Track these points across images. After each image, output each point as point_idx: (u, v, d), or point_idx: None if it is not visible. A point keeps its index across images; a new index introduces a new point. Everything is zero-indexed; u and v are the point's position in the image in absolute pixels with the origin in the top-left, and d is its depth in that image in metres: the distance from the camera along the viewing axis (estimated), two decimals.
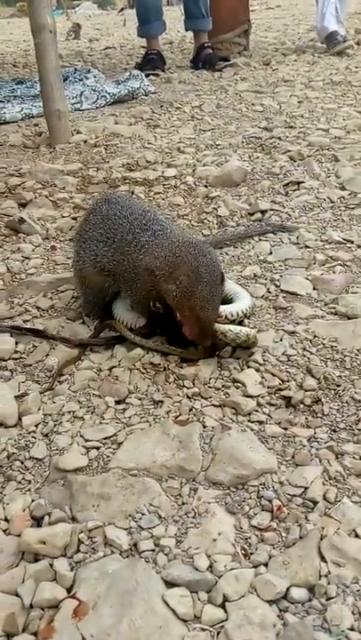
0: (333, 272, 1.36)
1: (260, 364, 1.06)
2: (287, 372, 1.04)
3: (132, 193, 1.88)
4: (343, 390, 1.00)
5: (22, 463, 0.90)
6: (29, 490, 0.86)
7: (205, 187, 1.91)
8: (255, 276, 1.37)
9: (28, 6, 2.36)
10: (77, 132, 2.57)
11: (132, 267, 1.11)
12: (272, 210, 1.71)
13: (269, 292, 1.30)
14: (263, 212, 1.70)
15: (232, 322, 1.14)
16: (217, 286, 1.04)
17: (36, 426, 0.97)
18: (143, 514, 0.80)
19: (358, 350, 1.09)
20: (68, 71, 3.80)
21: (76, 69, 3.89)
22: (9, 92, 3.52)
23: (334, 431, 0.93)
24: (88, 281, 1.20)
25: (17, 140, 2.58)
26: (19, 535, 0.78)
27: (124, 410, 0.99)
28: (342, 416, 0.95)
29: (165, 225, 1.13)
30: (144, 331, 1.14)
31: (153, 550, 0.75)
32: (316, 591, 0.70)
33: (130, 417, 0.97)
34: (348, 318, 1.19)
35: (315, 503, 0.80)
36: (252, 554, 0.75)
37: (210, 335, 1.05)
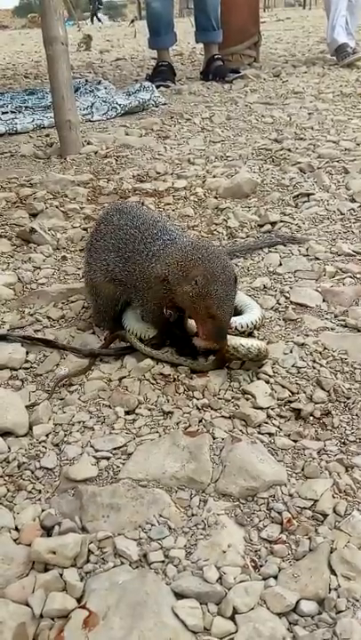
0: (343, 284, 1.36)
1: (270, 376, 1.06)
2: (297, 384, 1.04)
3: (143, 204, 1.89)
4: (353, 403, 1.00)
5: (33, 473, 0.90)
6: (40, 499, 0.86)
7: (215, 198, 1.93)
8: (265, 287, 1.38)
9: (41, 18, 2.39)
10: (88, 143, 2.59)
11: (144, 276, 1.12)
12: (282, 221, 1.72)
13: (279, 304, 1.31)
14: (273, 223, 1.71)
15: (242, 333, 1.14)
16: (231, 286, 1.05)
17: (47, 435, 0.98)
18: (153, 525, 0.80)
19: None
20: (79, 82, 3.84)
21: (87, 81, 3.94)
22: (20, 103, 3.57)
23: (344, 444, 0.93)
24: (99, 291, 1.20)
25: (28, 151, 2.60)
26: (29, 545, 0.78)
27: (134, 420, 1.00)
28: (352, 429, 0.95)
29: (176, 234, 1.14)
30: (154, 341, 1.15)
31: (163, 561, 0.75)
32: (325, 604, 0.70)
33: (140, 427, 0.98)
34: (358, 331, 1.19)
35: (325, 516, 0.80)
36: (261, 566, 0.75)
37: (225, 336, 1.05)
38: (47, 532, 0.80)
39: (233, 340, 1.06)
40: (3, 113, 3.23)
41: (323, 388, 1.03)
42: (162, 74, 4.10)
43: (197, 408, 1.00)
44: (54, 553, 0.75)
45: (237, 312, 1.19)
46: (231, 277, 1.04)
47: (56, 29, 2.33)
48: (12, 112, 3.28)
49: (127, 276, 1.15)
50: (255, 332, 1.19)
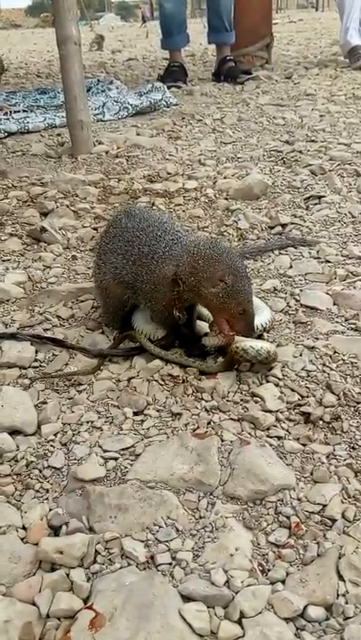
0: (354, 287, 1.36)
1: (280, 379, 1.06)
2: (306, 387, 1.04)
3: (153, 204, 1.89)
4: None
5: (41, 472, 0.90)
6: (47, 499, 0.86)
7: (226, 199, 1.92)
8: (275, 289, 1.37)
9: (54, 18, 2.40)
10: (99, 143, 2.59)
11: (151, 278, 1.12)
12: (293, 224, 1.71)
13: (289, 307, 1.30)
14: (284, 225, 1.70)
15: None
16: (249, 278, 1.08)
17: (55, 435, 0.98)
18: (160, 526, 0.80)
19: None
20: (91, 82, 3.84)
21: (99, 80, 3.94)
22: (32, 102, 3.58)
23: (353, 448, 0.92)
24: (108, 292, 1.20)
25: (39, 150, 2.61)
26: (36, 544, 0.78)
27: (143, 421, 0.99)
28: None
29: (181, 235, 1.14)
30: (163, 342, 1.15)
31: (170, 564, 0.75)
32: (333, 610, 0.69)
33: (148, 428, 0.97)
34: None
35: (333, 521, 0.80)
36: (269, 570, 0.74)
37: (254, 327, 1.09)
38: (54, 531, 0.80)
39: (242, 342, 1.06)
40: (15, 112, 3.24)
41: (332, 392, 1.02)
42: (174, 74, 4.10)
43: (206, 410, 1.00)
44: (61, 553, 0.75)
45: None
46: (246, 269, 1.09)
47: (69, 29, 2.33)
48: (23, 111, 3.29)
49: (135, 278, 1.14)
50: (265, 334, 1.18)
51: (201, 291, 1.06)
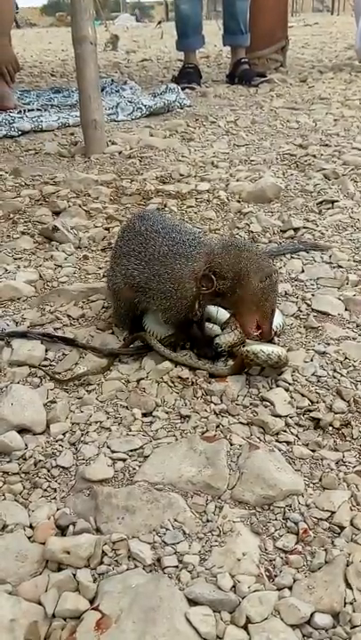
0: None
1: (290, 384, 1.05)
2: (317, 392, 1.03)
3: (165, 206, 1.89)
4: None
5: (49, 471, 0.90)
6: (55, 498, 0.86)
7: (238, 202, 1.92)
8: (286, 293, 1.37)
9: (71, 18, 2.40)
10: (112, 143, 2.59)
11: (173, 275, 1.11)
12: (305, 228, 1.70)
13: (300, 311, 1.30)
14: (296, 229, 1.70)
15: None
16: None
17: (64, 434, 0.98)
18: (168, 529, 0.79)
19: None
20: (105, 82, 3.85)
21: (113, 81, 3.95)
22: (46, 101, 3.59)
23: None
24: (119, 295, 1.20)
25: (53, 149, 2.61)
26: (43, 543, 0.78)
27: (151, 423, 0.99)
28: None
29: (197, 235, 1.15)
30: (173, 338, 1.15)
31: (176, 567, 0.75)
32: (340, 618, 0.69)
33: (157, 430, 0.97)
34: None
35: (341, 528, 0.79)
36: (276, 576, 0.74)
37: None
38: (62, 531, 0.80)
39: (253, 346, 1.05)
40: (29, 110, 3.25)
41: (343, 398, 1.01)
42: (188, 76, 4.10)
43: (215, 413, 1.00)
44: (68, 553, 0.75)
45: None
46: None
47: (86, 29, 2.34)
48: (37, 110, 3.30)
49: (149, 278, 1.14)
50: (276, 338, 1.18)
51: (247, 284, 1.09)
